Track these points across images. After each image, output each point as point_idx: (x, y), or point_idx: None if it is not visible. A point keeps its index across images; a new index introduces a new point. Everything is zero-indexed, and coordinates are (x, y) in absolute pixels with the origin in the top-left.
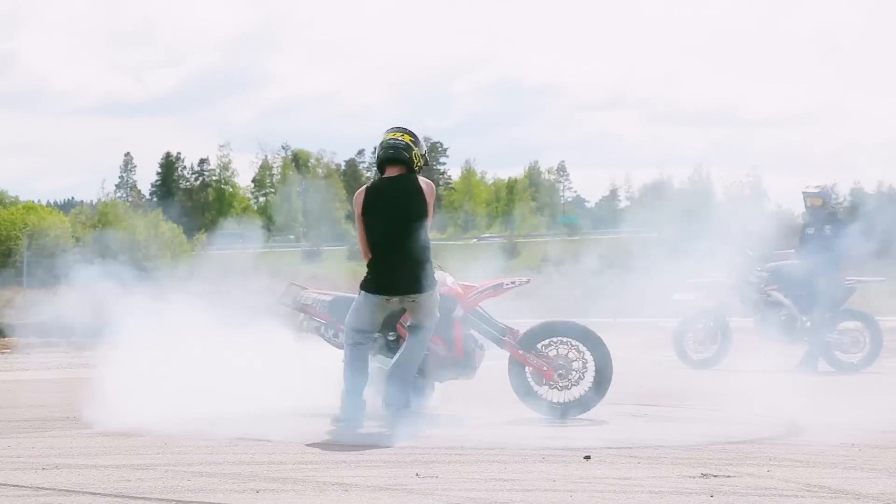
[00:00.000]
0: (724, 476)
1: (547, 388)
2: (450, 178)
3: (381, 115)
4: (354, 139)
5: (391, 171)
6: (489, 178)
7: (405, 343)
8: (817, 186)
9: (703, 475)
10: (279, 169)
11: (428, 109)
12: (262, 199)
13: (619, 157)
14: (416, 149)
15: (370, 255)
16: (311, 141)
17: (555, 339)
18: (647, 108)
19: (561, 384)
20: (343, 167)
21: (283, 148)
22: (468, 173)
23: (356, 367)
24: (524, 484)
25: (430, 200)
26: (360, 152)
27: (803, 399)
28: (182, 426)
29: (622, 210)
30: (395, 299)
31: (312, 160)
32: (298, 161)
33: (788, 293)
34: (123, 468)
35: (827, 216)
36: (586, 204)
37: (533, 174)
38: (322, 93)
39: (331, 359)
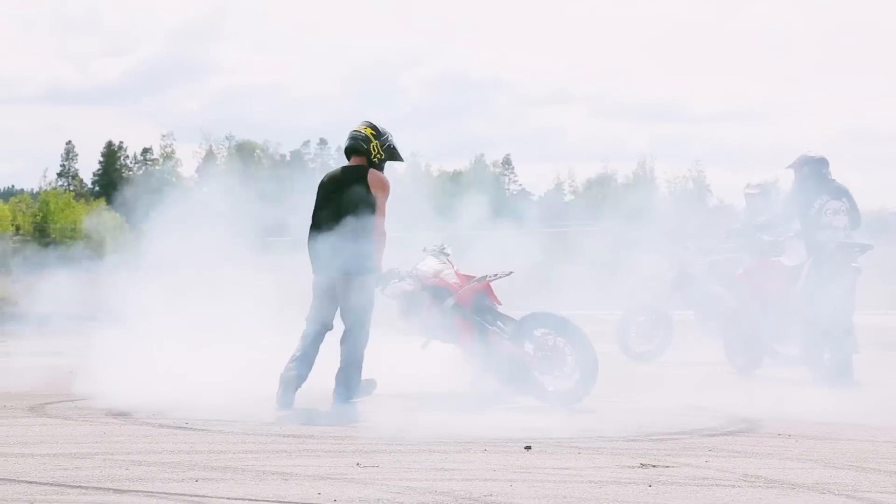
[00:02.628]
0: (662, 466)
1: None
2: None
3: (328, 106)
4: (300, 130)
5: (353, 161)
6: (434, 171)
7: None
8: (758, 185)
9: (643, 465)
10: (223, 159)
11: (374, 101)
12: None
13: (565, 151)
14: (375, 141)
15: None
16: (257, 131)
17: (544, 331)
18: (593, 103)
19: (554, 374)
20: (288, 158)
21: (227, 138)
22: (413, 165)
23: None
24: (464, 473)
25: (377, 192)
26: (306, 143)
27: (743, 391)
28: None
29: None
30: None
31: (258, 151)
32: (244, 151)
33: (729, 286)
34: (60, 457)
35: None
36: (531, 197)
37: (478, 167)
38: (268, 83)
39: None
